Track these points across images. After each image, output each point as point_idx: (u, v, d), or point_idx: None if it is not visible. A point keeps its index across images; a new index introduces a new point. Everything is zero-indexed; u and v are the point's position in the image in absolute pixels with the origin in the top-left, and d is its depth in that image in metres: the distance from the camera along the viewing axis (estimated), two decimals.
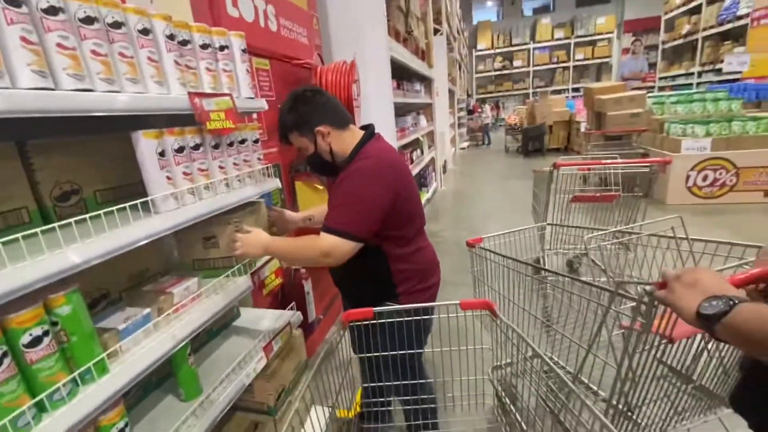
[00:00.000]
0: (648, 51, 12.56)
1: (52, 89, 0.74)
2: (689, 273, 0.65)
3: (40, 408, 0.72)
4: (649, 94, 5.86)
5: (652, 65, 10.79)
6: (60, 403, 0.74)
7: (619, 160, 2.37)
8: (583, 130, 7.02)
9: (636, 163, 2.36)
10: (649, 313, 0.85)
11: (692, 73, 9.31)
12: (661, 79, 10.86)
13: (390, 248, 1.28)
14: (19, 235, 0.68)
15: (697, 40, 8.94)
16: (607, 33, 15.12)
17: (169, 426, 1.02)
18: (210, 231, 1.27)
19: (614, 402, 1.08)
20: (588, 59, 15.42)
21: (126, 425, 0.88)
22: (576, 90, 15.01)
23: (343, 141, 1.29)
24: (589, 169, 2.50)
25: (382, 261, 1.29)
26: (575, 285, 1.41)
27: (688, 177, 4.42)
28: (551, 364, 0.80)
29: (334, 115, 1.29)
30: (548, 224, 2.49)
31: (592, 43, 15.35)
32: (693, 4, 8.88)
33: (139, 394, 1.18)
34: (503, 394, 1.61)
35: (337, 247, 1.17)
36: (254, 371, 1.29)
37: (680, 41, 9.77)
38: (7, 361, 0.66)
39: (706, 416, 1.27)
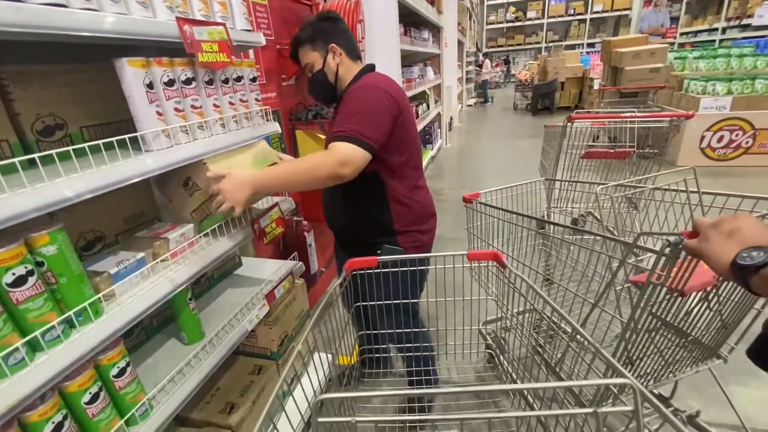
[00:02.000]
0: (671, 3, 11.78)
1: (20, 0, 0.65)
2: (729, 221, 0.60)
3: (33, 347, 0.70)
4: (671, 49, 5.54)
5: (674, 19, 10.15)
6: (56, 342, 0.72)
7: (638, 114, 2.25)
8: (596, 87, 6.72)
9: (657, 116, 2.23)
10: (670, 265, 0.81)
11: (716, 29, 8.78)
12: (682, 35, 10.26)
13: (389, 178, 1.28)
14: None
15: None
16: None
17: (172, 366, 1.02)
18: (185, 173, 1.10)
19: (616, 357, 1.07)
20: (606, 11, 14.49)
21: (128, 365, 0.88)
22: (591, 45, 14.26)
23: (349, 68, 1.35)
24: (604, 123, 2.38)
25: (381, 192, 1.30)
26: (583, 240, 1.37)
27: (702, 137, 4.27)
28: (565, 315, 0.77)
29: (348, 43, 1.35)
30: (551, 179, 2.41)
31: None
32: None
33: (142, 337, 1.18)
34: (494, 345, 1.64)
35: (353, 154, 1.11)
36: (257, 318, 1.28)
37: None
38: None
39: (697, 367, 1.28)
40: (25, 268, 0.68)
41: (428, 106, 5.31)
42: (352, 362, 1.36)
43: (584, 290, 1.40)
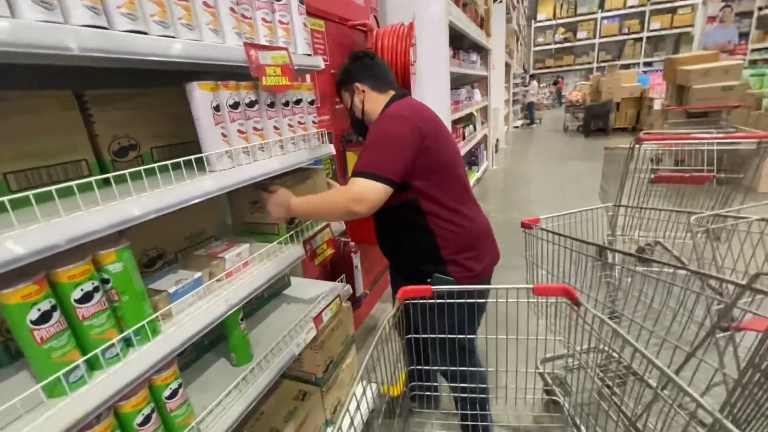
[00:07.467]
0: (740, 19, 10.97)
1: (106, 28, 0.68)
2: None
3: (92, 365, 0.70)
4: (745, 66, 5.08)
5: (744, 35, 9.41)
6: (115, 360, 0.72)
7: (718, 135, 2.03)
8: (657, 107, 6.30)
9: (743, 137, 2.00)
10: None
11: None
12: (753, 51, 9.48)
13: (427, 204, 1.22)
14: (73, 183, 0.64)
15: None
16: None
17: (221, 389, 1.00)
18: (254, 195, 1.23)
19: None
20: (665, 29, 13.78)
21: (179, 386, 0.86)
22: (648, 65, 13.55)
23: (376, 102, 1.33)
24: (678, 145, 2.17)
25: (422, 218, 1.23)
26: (662, 274, 1.22)
27: None
28: (654, 360, 0.66)
29: (374, 77, 1.34)
30: (618, 205, 2.23)
31: (672, 10, 13.65)
32: None
33: (192, 356, 1.18)
34: (556, 390, 1.48)
35: (368, 190, 1.08)
36: (304, 341, 1.25)
37: None
38: (56, 315, 0.63)
39: None
40: (92, 284, 0.69)
41: (475, 127, 5.23)
42: (396, 394, 1.28)
43: (663, 332, 1.23)
